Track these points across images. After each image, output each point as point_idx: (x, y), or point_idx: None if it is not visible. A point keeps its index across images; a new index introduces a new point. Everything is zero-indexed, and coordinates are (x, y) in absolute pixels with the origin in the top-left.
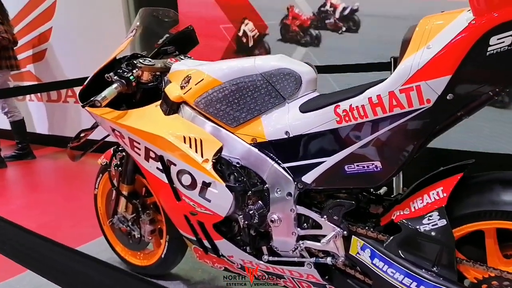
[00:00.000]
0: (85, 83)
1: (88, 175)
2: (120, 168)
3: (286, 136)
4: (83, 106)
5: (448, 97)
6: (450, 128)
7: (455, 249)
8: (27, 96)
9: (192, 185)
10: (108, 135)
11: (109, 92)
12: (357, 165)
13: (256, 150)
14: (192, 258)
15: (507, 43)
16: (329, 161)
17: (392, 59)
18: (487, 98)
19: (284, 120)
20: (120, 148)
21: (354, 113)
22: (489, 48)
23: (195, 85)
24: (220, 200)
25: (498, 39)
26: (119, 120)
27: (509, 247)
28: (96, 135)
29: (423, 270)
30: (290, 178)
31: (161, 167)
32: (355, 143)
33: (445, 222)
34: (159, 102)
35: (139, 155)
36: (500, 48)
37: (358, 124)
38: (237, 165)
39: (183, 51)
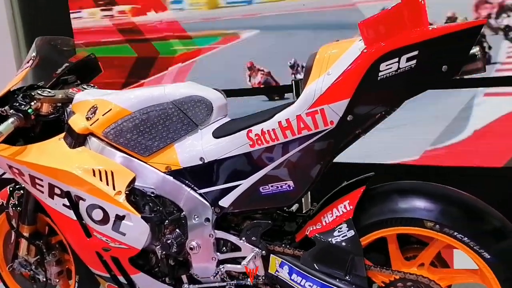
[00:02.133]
0: None
1: None
2: (19, 208)
3: (201, 162)
4: None
5: (348, 118)
6: (350, 145)
7: (363, 257)
8: None
9: (104, 220)
10: (3, 173)
11: (5, 127)
12: (271, 186)
13: (171, 178)
14: None
15: (394, 68)
16: (244, 184)
17: (293, 82)
18: (380, 117)
19: (198, 147)
20: (18, 186)
21: (265, 137)
22: (380, 73)
23: (102, 115)
24: (135, 232)
25: (386, 65)
26: (18, 157)
27: (408, 250)
28: None
29: (337, 280)
30: (207, 204)
31: (68, 204)
32: (268, 165)
33: (353, 233)
34: (62, 135)
35: (42, 192)
36: (389, 73)
37: (270, 147)
38: (152, 195)
39: (85, 80)
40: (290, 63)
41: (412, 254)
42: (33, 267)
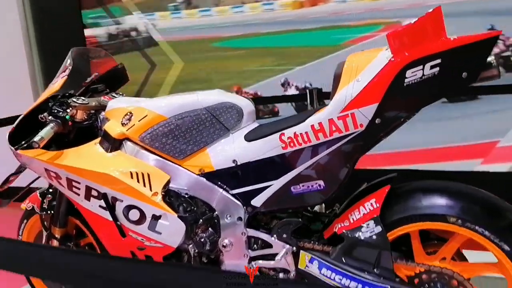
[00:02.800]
0: (14, 125)
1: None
2: (50, 211)
3: (233, 164)
4: (16, 149)
5: (376, 121)
6: (372, 148)
7: (390, 251)
8: None
9: (141, 220)
10: (34, 181)
11: (46, 132)
12: (303, 185)
13: (204, 180)
14: None
15: (419, 75)
16: (276, 184)
17: (308, 91)
18: (403, 121)
19: (231, 150)
20: (48, 191)
21: (298, 139)
22: (406, 80)
23: (139, 121)
24: (171, 231)
25: (412, 72)
26: (56, 161)
27: (429, 246)
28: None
29: (365, 272)
30: (239, 203)
31: (104, 205)
32: (300, 166)
33: (381, 229)
34: (97, 140)
35: (78, 195)
36: (414, 79)
37: (302, 148)
38: (186, 196)
39: (113, 88)
40: None
41: (432, 249)
42: None
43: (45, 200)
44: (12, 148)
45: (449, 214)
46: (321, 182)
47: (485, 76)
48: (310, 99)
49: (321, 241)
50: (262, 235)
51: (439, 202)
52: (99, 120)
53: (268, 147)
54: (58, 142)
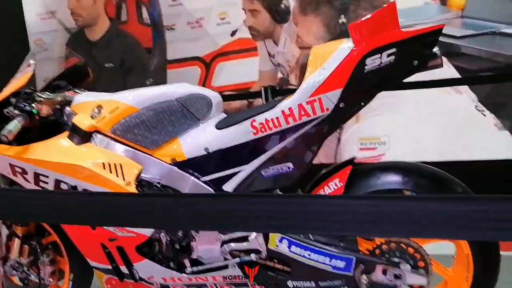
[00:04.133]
0: None
1: None
2: None
3: (205, 152)
4: None
5: (340, 105)
6: (333, 132)
7: None
8: None
9: None
10: None
11: (14, 126)
12: (273, 169)
13: (176, 168)
14: None
15: (377, 63)
16: (248, 169)
17: (262, 88)
18: (362, 105)
19: (202, 138)
20: None
21: (269, 124)
22: (366, 67)
23: (109, 113)
24: None
25: (371, 60)
26: (23, 155)
27: None
28: None
29: (332, 246)
30: (211, 190)
31: None
32: (270, 150)
33: None
34: (64, 134)
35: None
36: (373, 66)
37: (272, 133)
38: (159, 185)
39: (75, 85)
40: None
41: None
42: (26, 268)
43: None
44: None
45: (404, 188)
46: (290, 165)
47: (431, 65)
48: (265, 97)
49: None
50: None
51: (395, 178)
52: (64, 115)
53: (240, 133)
54: (20, 140)
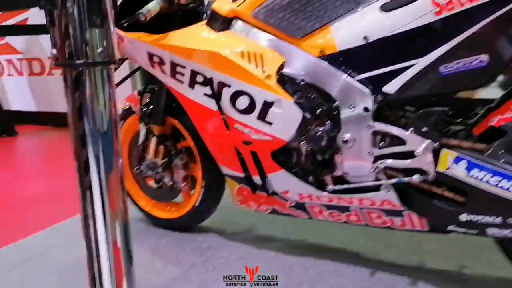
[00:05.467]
0: (118, 5)
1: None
2: (148, 109)
3: (363, 42)
4: (121, 24)
5: None
6: None
7: None
8: (5, 71)
9: (250, 108)
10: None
11: (153, 6)
12: (458, 63)
13: (325, 63)
14: (223, 210)
15: None
16: (421, 63)
17: None
18: None
19: (361, 24)
20: (146, 90)
21: None
22: None
23: None
24: (284, 120)
25: None
26: (161, 42)
27: None
28: None
29: None
30: (367, 91)
31: (209, 93)
32: (457, 36)
33: None
34: (203, 22)
35: (182, 82)
36: None
37: (463, 11)
38: (302, 82)
39: None
40: None
41: None
42: (160, 169)
43: (143, 99)
44: (116, 29)
45: None
46: (485, 57)
47: None
48: None
49: (470, 137)
50: (394, 129)
51: None
52: (203, 4)
53: (415, 14)
54: (158, 28)
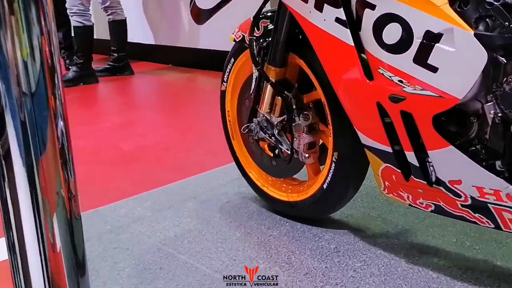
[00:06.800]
0: None
1: (204, 96)
2: (264, 41)
3: None
4: None
5: None
6: None
7: None
8: None
9: (403, 43)
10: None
11: None
12: None
13: None
14: (367, 198)
15: None
16: None
17: None
18: None
19: None
20: (265, 14)
21: None
22: None
23: None
24: (459, 64)
25: None
26: None
27: None
28: None
29: None
30: None
31: (343, 18)
32: None
33: None
34: None
35: (306, 1)
36: None
37: None
38: (489, 7)
39: None
40: None
41: None
42: (276, 131)
43: (259, 26)
44: None
45: None
46: None
47: None
48: None
49: None
50: None
51: None
52: None
53: None
54: None
